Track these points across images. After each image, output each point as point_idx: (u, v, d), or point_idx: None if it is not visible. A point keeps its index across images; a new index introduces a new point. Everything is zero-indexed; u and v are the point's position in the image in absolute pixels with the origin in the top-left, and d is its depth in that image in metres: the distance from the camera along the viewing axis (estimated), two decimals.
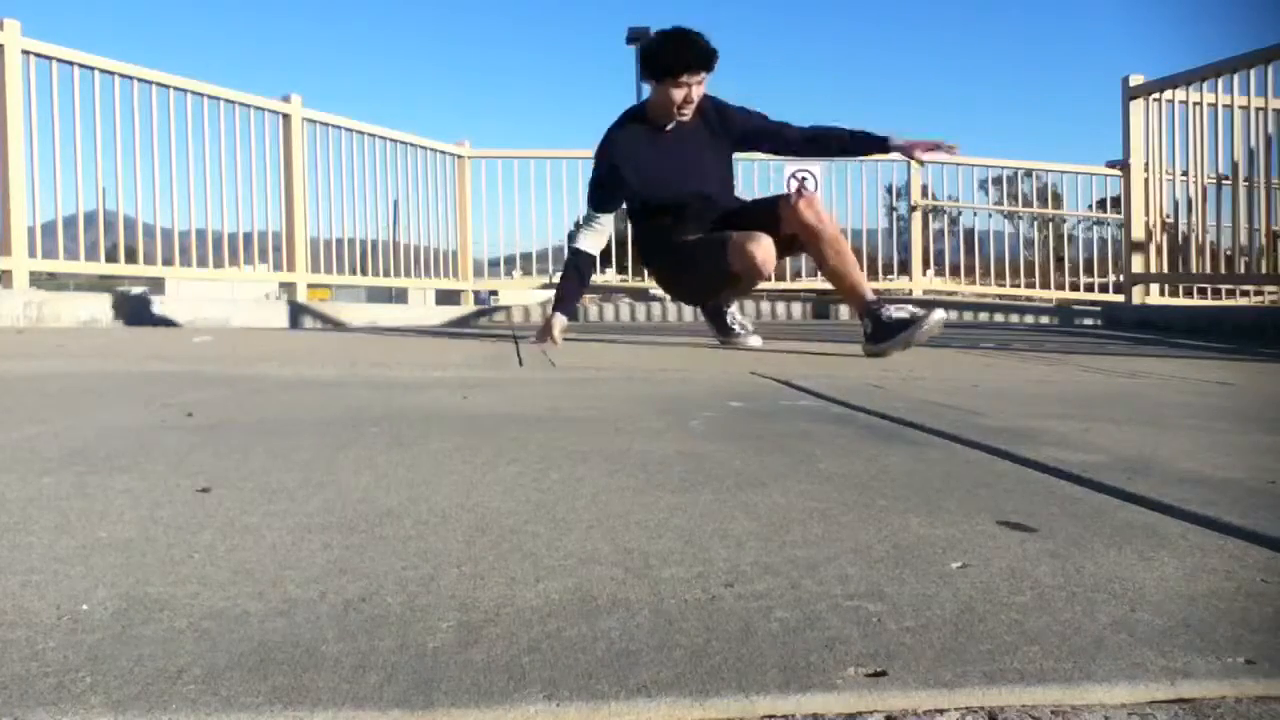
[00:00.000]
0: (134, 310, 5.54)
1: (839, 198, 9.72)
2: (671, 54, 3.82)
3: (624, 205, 4.16)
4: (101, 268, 6.07)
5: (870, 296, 3.70)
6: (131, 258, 6.15)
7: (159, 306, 5.74)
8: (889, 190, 10.78)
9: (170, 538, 1.00)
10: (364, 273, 8.07)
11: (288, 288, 7.35)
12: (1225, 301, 8.09)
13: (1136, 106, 6.49)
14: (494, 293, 13.04)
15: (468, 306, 8.90)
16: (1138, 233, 6.56)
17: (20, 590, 0.84)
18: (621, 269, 9.85)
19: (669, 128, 3.96)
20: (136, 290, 8.95)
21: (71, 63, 5.56)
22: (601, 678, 0.67)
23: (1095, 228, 11.20)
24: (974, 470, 1.44)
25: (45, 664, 0.68)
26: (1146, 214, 6.53)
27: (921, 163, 4.07)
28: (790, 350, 4.07)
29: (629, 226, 4.60)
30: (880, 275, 10.39)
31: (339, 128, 7.66)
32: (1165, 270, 6.59)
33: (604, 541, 1.02)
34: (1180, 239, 6.76)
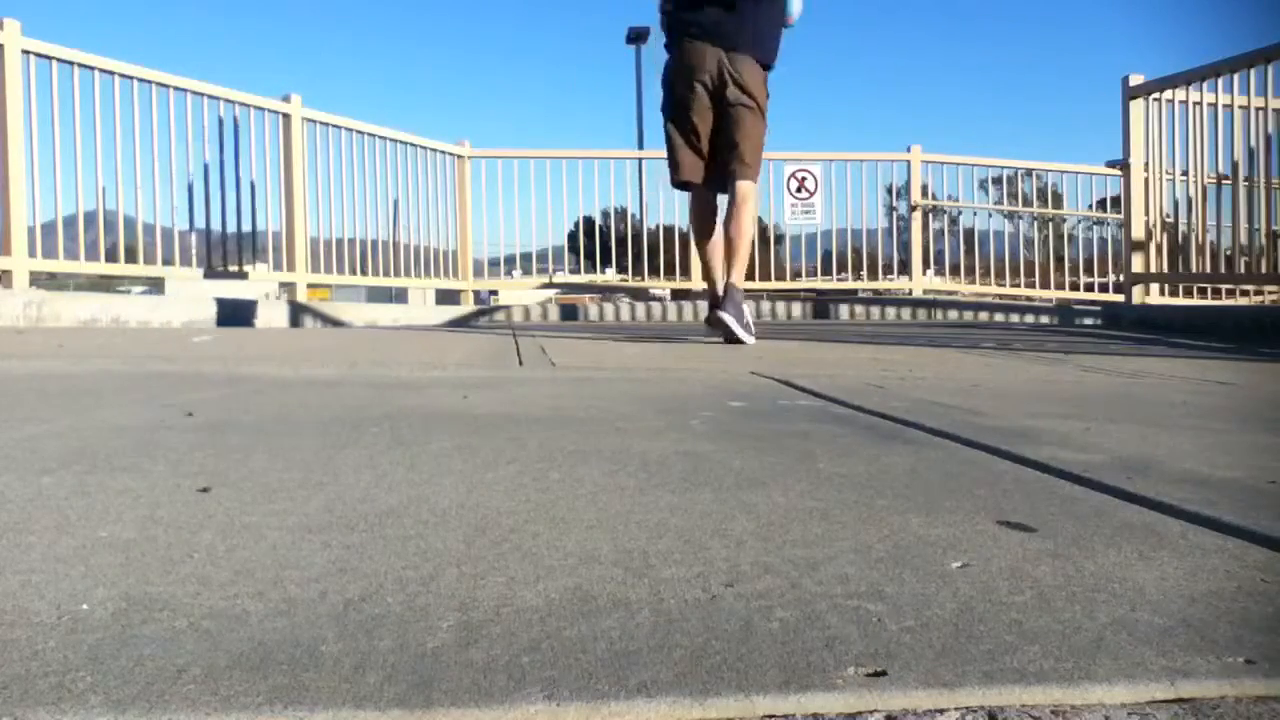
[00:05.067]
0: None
1: (839, 197, 9.73)
2: None
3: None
4: (101, 267, 6.07)
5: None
6: (131, 257, 6.15)
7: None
8: (889, 190, 10.79)
9: (170, 538, 1.00)
10: (364, 273, 8.07)
11: (288, 288, 7.35)
12: (1225, 301, 8.09)
13: (1136, 106, 6.49)
14: (494, 292, 13.05)
15: (468, 306, 8.91)
16: (1138, 232, 6.56)
17: (20, 590, 0.83)
18: (621, 269, 9.86)
19: None
20: (138, 290, 8.95)
21: (71, 63, 5.56)
22: (601, 678, 0.67)
23: (1095, 228, 11.21)
24: (974, 470, 1.44)
25: (45, 664, 0.68)
26: (1146, 214, 6.53)
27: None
28: (790, 350, 4.07)
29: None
30: (880, 275, 10.40)
31: (339, 128, 7.66)
32: (1165, 270, 6.59)
33: (604, 541, 1.01)
34: (1180, 239, 6.76)
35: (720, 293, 4.23)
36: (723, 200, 4.42)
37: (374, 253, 8.13)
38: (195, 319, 5.62)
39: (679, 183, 4.47)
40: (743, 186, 4.29)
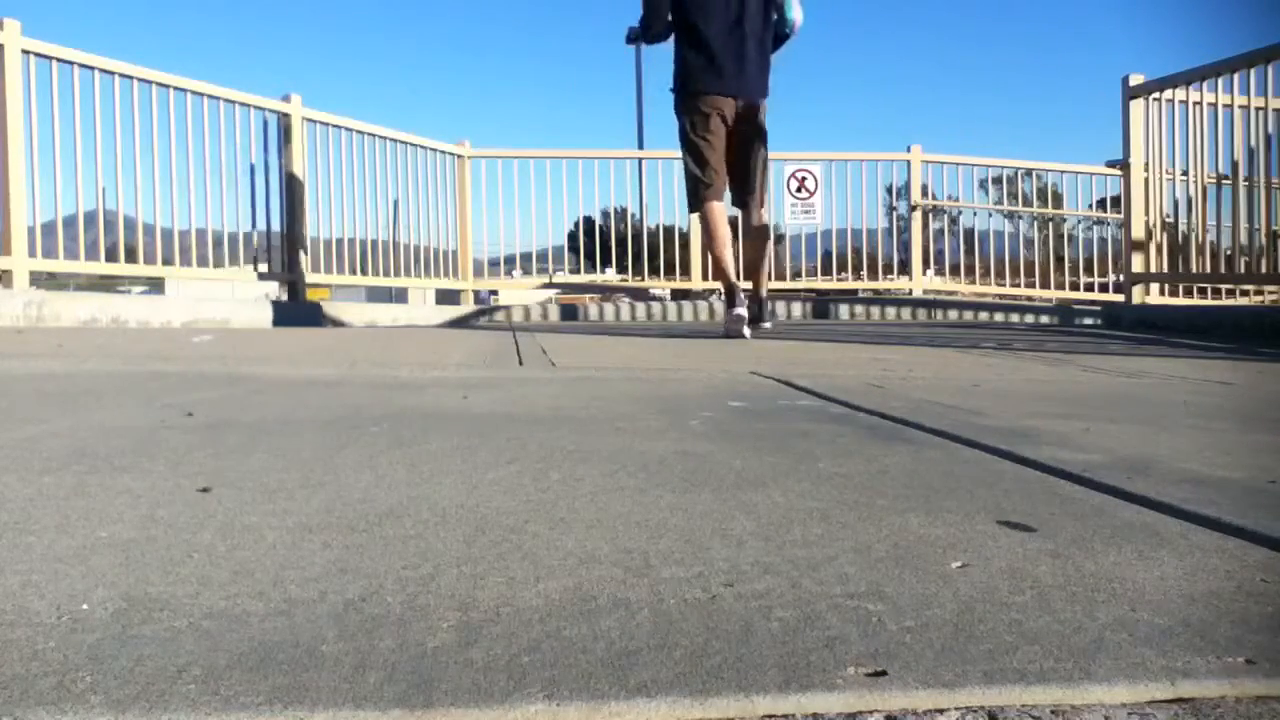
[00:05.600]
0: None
1: (839, 196, 9.73)
2: None
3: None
4: (101, 267, 6.06)
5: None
6: (131, 257, 6.15)
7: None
8: (889, 190, 10.78)
9: (170, 538, 1.00)
10: (364, 273, 8.07)
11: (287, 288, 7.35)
12: (1225, 301, 8.09)
13: (1136, 106, 6.48)
14: (494, 292, 13.06)
15: (468, 306, 8.90)
16: (1138, 232, 6.55)
17: (20, 590, 0.83)
18: (621, 269, 9.85)
19: None
20: (137, 290, 8.95)
21: (71, 63, 5.55)
22: (601, 678, 0.67)
23: (1095, 228, 11.21)
24: (974, 470, 1.44)
25: (45, 664, 0.68)
26: (1146, 214, 6.52)
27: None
28: (790, 350, 4.07)
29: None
30: (880, 275, 10.40)
31: (339, 128, 7.65)
32: (1165, 270, 6.59)
33: (604, 541, 1.01)
34: (1180, 239, 6.76)
35: (761, 298, 5.14)
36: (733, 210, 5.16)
37: (374, 253, 8.12)
38: (196, 318, 5.62)
39: (700, 209, 5.02)
40: (757, 212, 5.10)
